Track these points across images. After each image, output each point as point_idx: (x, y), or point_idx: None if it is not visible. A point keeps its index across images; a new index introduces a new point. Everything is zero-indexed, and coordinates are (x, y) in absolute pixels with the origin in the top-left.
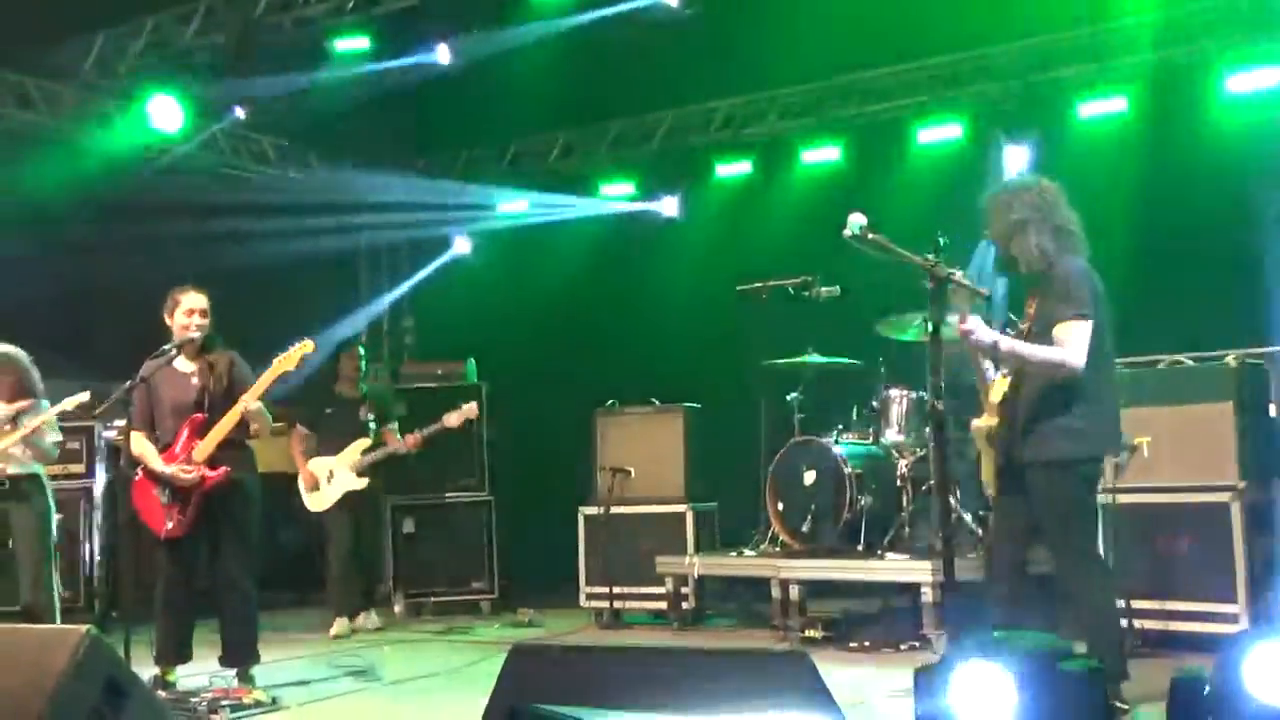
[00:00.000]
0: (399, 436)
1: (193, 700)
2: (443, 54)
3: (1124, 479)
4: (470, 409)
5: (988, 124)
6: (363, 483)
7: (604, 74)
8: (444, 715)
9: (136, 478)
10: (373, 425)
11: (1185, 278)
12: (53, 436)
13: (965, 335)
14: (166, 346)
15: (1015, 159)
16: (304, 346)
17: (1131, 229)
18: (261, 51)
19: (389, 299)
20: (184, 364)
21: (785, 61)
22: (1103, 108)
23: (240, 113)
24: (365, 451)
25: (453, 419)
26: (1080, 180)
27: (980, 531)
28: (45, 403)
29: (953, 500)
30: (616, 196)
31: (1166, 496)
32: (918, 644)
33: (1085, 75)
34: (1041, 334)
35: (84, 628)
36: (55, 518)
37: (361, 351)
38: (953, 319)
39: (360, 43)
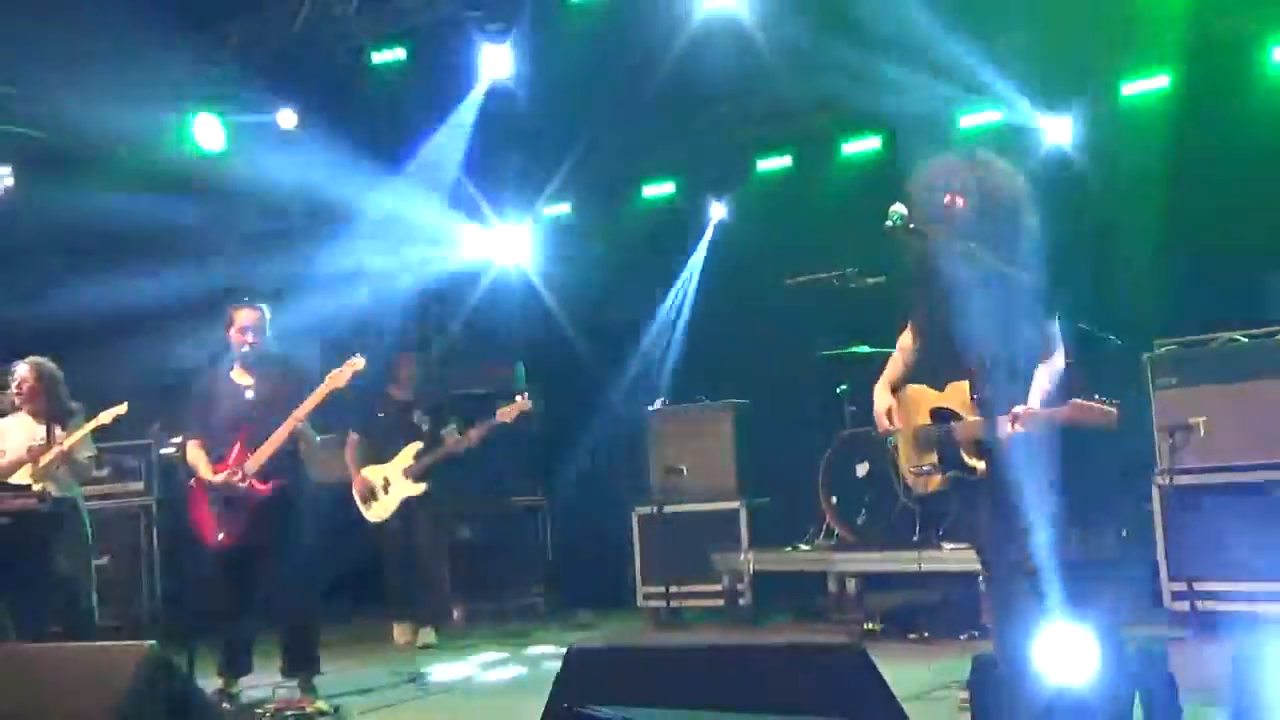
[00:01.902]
0: (456, 437)
1: (256, 712)
2: (492, 69)
3: (1181, 459)
4: (523, 402)
5: (1029, 107)
6: (420, 488)
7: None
8: (503, 719)
9: (192, 489)
10: (426, 428)
11: (1235, 254)
12: (86, 452)
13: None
14: (222, 361)
15: (1056, 139)
16: (354, 364)
17: (1179, 207)
18: (303, 65)
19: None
20: (241, 376)
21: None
22: (1146, 85)
23: (286, 121)
24: (419, 455)
25: (507, 414)
26: (1125, 158)
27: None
28: (80, 419)
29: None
30: (658, 196)
31: (1224, 476)
32: (977, 633)
33: (1128, 53)
34: None
35: (147, 644)
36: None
37: (417, 356)
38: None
39: (397, 54)
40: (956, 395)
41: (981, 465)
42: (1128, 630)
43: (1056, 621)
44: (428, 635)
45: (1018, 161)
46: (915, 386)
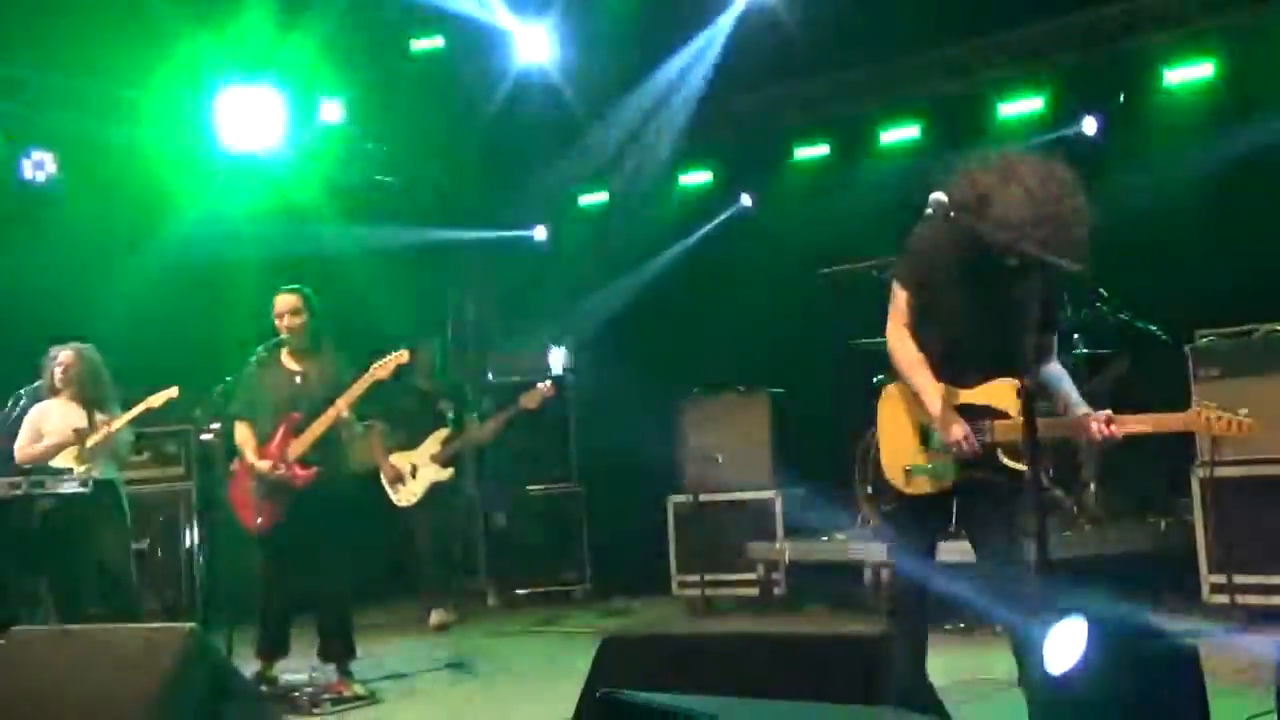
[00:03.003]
0: (480, 425)
1: (294, 695)
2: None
3: (1223, 452)
4: (546, 388)
5: (1070, 94)
6: (447, 473)
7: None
8: (538, 705)
9: (234, 471)
10: (451, 417)
11: (1277, 244)
12: (127, 437)
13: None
14: (262, 348)
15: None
16: (399, 356)
17: (1219, 196)
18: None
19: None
20: (289, 362)
21: (862, 40)
22: (1189, 74)
23: (334, 114)
24: (445, 442)
25: (530, 400)
26: (1167, 147)
27: (1075, 508)
28: (118, 406)
29: (1044, 477)
30: (695, 185)
31: (1266, 468)
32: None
33: (1170, 41)
34: None
35: (187, 626)
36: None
37: (436, 345)
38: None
39: (435, 41)
40: (995, 394)
41: (1024, 468)
42: (1162, 625)
43: (1067, 617)
44: (442, 615)
45: (1058, 153)
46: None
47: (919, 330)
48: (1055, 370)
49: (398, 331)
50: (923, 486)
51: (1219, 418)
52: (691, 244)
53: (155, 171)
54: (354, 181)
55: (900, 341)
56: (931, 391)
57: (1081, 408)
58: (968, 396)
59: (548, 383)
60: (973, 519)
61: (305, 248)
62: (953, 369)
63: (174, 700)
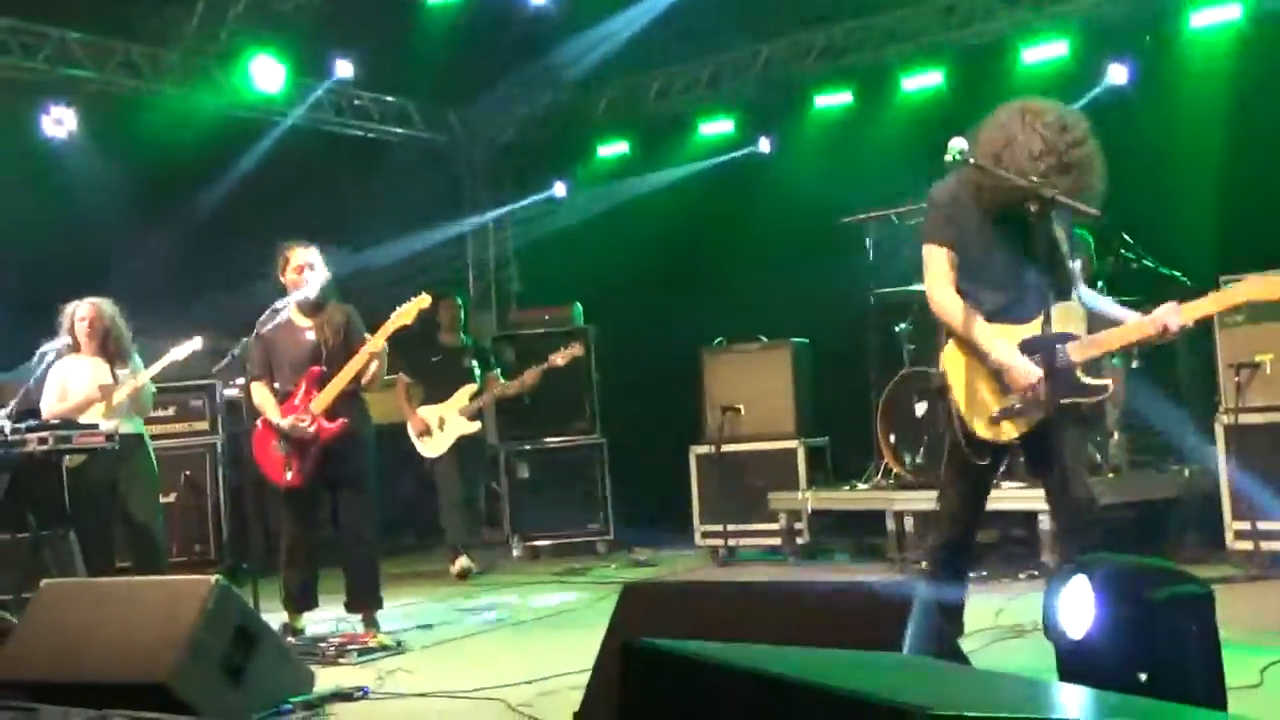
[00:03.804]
0: (503, 381)
1: (320, 645)
2: None
3: (1246, 397)
4: (575, 348)
5: (1094, 39)
6: (475, 426)
7: (698, 9)
8: (562, 654)
9: (256, 429)
10: (477, 371)
11: None
12: (149, 390)
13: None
14: (279, 303)
15: (1117, 74)
16: (420, 301)
17: (1246, 140)
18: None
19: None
20: (300, 319)
21: None
22: (1216, 16)
23: (343, 71)
24: (473, 397)
25: (559, 358)
26: (1193, 92)
27: (1099, 457)
28: (138, 357)
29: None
30: (716, 135)
31: None
32: (1037, 573)
33: None
34: None
35: (214, 578)
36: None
37: (459, 300)
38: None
39: None
40: (1055, 320)
41: (1109, 383)
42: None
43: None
44: (464, 562)
45: (1079, 96)
46: (998, 326)
47: (963, 285)
48: (1089, 293)
49: (417, 288)
50: (1014, 430)
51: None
52: (713, 193)
53: (173, 127)
54: (368, 136)
55: (949, 300)
56: (991, 341)
57: (1136, 314)
58: (1025, 332)
59: (578, 344)
60: (1048, 448)
61: (320, 203)
62: (1006, 311)
63: (201, 651)
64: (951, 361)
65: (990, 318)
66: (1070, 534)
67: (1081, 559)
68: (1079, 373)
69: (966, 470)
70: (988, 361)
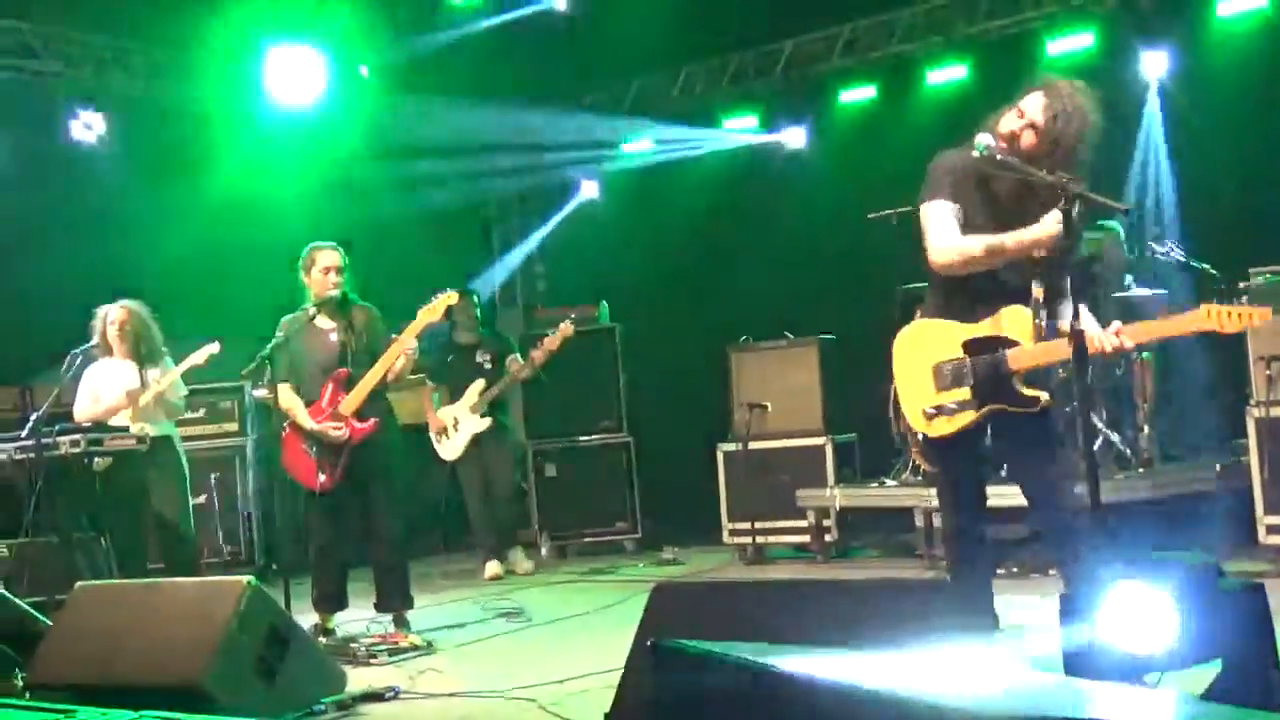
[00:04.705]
0: (521, 363)
1: (351, 646)
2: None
3: (1277, 391)
4: (566, 327)
5: (1121, 30)
6: (486, 423)
7: (722, 5)
8: (592, 653)
9: (285, 432)
10: (488, 367)
11: None
12: (180, 392)
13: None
14: (306, 305)
15: (1153, 64)
16: (448, 298)
17: (1275, 131)
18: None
19: (522, 247)
20: (324, 321)
21: None
22: (1243, 4)
23: (365, 72)
24: (482, 392)
25: (552, 342)
26: (1221, 82)
27: (1129, 451)
28: (170, 360)
29: (1097, 420)
30: (740, 129)
31: None
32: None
33: None
34: None
35: (246, 579)
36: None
37: (476, 298)
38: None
39: None
40: (1002, 324)
41: (1044, 395)
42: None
43: (1129, 572)
44: (495, 567)
45: (1107, 88)
46: (934, 322)
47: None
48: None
49: (440, 286)
50: (943, 428)
51: (1228, 313)
52: (739, 189)
53: (202, 132)
54: (397, 138)
55: (953, 243)
56: (1017, 236)
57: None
58: (970, 331)
59: (568, 323)
60: (1013, 462)
61: (349, 205)
62: (960, 305)
63: (234, 652)
64: (899, 349)
65: (946, 309)
66: (1063, 540)
67: (1129, 559)
68: (1014, 380)
69: (941, 460)
70: (934, 351)
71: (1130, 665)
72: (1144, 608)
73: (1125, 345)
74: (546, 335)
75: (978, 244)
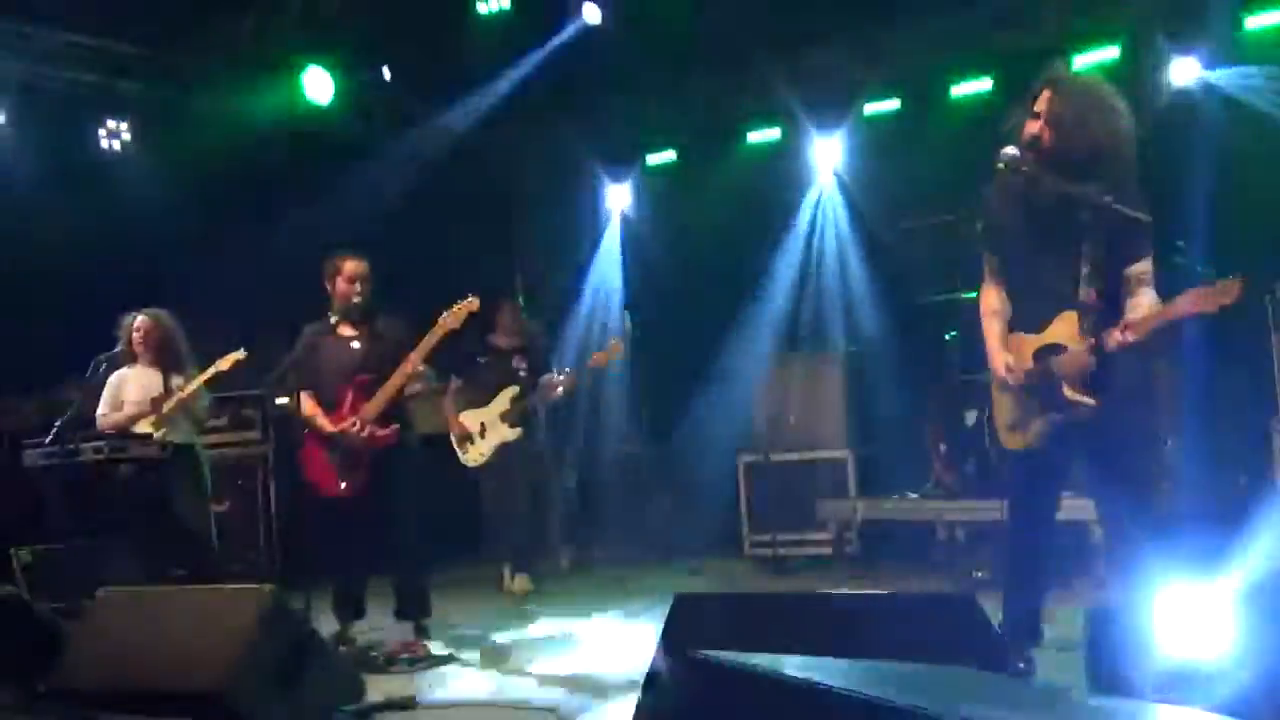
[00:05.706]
0: (558, 379)
1: (372, 654)
2: (590, 13)
3: None
4: (615, 345)
5: (1146, 43)
6: (515, 433)
7: (747, 16)
8: (612, 665)
9: (305, 439)
10: (523, 374)
11: None
12: (203, 401)
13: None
14: (330, 315)
15: (1182, 74)
16: (469, 304)
17: None
18: (406, 16)
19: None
20: (346, 330)
21: None
22: (1272, 19)
23: (387, 73)
24: (515, 400)
25: (599, 359)
26: (1250, 95)
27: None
28: (195, 368)
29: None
30: (763, 142)
31: None
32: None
33: None
34: None
35: (267, 587)
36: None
37: (522, 302)
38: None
39: (502, 2)
40: (1061, 329)
41: (1089, 400)
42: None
43: (1183, 580)
44: (524, 582)
45: (1133, 98)
46: (1013, 335)
47: (1005, 288)
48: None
49: (467, 293)
50: (1017, 441)
51: (1210, 291)
52: (761, 200)
53: (225, 139)
54: (422, 145)
55: (982, 300)
56: (990, 338)
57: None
58: (1038, 341)
59: (617, 341)
60: (1082, 474)
61: (375, 212)
62: (1024, 315)
63: (254, 659)
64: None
65: (1015, 320)
66: (1136, 551)
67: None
68: (1063, 386)
69: (1013, 471)
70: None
71: (1177, 678)
72: (1201, 614)
73: (1128, 340)
74: (594, 352)
75: (983, 321)
